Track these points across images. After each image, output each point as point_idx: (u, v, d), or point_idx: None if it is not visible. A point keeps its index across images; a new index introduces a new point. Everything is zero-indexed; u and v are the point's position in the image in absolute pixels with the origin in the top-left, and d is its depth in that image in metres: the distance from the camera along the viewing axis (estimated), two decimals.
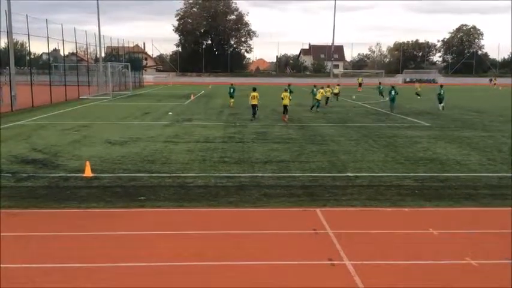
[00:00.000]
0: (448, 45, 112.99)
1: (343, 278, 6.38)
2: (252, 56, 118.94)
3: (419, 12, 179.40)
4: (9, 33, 30.63)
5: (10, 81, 30.71)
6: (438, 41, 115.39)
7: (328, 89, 35.51)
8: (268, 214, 9.09)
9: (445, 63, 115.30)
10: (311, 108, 30.20)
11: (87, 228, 8.19)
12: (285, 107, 24.79)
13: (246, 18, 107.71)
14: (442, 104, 31.13)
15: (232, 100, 34.97)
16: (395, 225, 8.55)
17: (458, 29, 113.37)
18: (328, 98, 34.99)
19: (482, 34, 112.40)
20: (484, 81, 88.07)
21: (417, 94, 43.30)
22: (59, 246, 7.41)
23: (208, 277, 6.40)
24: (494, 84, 76.79)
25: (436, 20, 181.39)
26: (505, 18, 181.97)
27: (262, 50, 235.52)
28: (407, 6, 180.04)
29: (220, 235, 7.92)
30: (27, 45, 35.22)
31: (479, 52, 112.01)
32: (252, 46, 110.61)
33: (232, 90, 35.39)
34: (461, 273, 6.61)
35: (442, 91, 31.46)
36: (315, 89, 32.19)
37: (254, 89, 26.10)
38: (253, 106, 25.38)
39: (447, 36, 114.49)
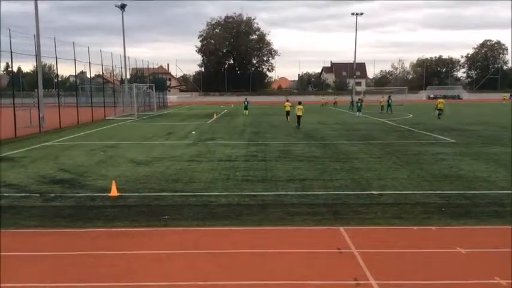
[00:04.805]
0: (472, 60, 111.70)
1: None
2: (273, 75, 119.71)
3: (439, 28, 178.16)
4: (38, 56, 31.62)
5: (38, 103, 31.59)
6: (462, 57, 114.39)
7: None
8: (291, 233, 9.05)
9: (469, 79, 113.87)
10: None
11: (112, 247, 8.29)
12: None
13: (268, 38, 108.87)
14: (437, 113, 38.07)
15: (246, 111, 46.18)
16: (422, 244, 8.40)
17: (483, 45, 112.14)
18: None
19: (506, 49, 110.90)
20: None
21: (439, 110, 38.86)
22: (85, 265, 7.51)
23: None
24: (504, 99, 75.57)
25: (458, 36, 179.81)
26: None
27: (284, 68, 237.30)
28: (428, 23, 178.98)
29: (244, 254, 7.91)
30: (55, 67, 36.24)
31: (504, 67, 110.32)
32: (273, 65, 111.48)
33: (246, 103, 48.32)
34: None
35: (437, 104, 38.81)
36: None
37: (300, 103, 32.35)
38: (298, 117, 31.35)
39: (471, 51, 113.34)
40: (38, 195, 12.09)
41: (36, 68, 33.08)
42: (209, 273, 7.08)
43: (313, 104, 67.89)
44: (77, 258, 7.78)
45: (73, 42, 35.41)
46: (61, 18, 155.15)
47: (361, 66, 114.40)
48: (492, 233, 8.97)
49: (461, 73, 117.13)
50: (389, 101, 47.96)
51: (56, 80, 41.44)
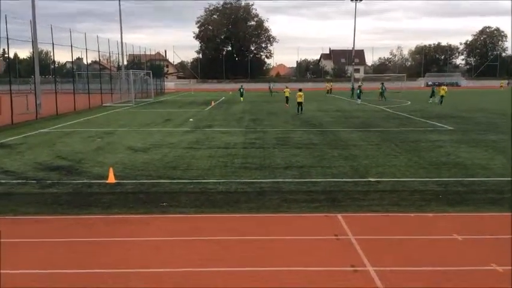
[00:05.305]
0: (471, 47, 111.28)
1: (366, 284, 6.31)
2: (272, 62, 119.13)
3: (439, 16, 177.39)
4: (34, 43, 31.38)
5: (35, 89, 31.43)
6: (461, 44, 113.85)
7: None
8: (289, 220, 9.06)
9: (468, 66, 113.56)
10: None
11: (110, 234, 8.29)
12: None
13: (266, 24, 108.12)
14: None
15: (242, 98, 47.54)
16: (419, 230, 8.42)
17: (482, 31, 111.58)
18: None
19: (506, 36, 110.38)
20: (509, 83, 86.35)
21: (441, 97, 40.23)
22: (82, 251, 7.51)
23: (229, 283, 6.40)
24: (501, 86, 75.58)
25: (457, 22, 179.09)
26: None
27: (283, 55, 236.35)
28: (428, 10, 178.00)
29: (241, 241, 7.92)
30: (52, 54, 36.00)
31: (503, 54, 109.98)
32: (272, 52, 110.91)
33: (242, 90, 49.20)
34: (486, 279, 6.47)
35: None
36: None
37: (300, 90, 32.70)
38: (299, 103, 31.60)
39: (470, 38, 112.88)
40: (34, 182, 12.07)
41: (33, 54, 32.87)
42: (207, 260, 7.09)
43: (312, 91, 67.70)
44: (74, 245, 7.78)
45: (70, 29, 35.22)
46: (58, 4, 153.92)
47: (360, 53, 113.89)
48: (489, 220, 9.00)
49: (460, 60, 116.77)
50: (383, 88, 48.08)
51: (52, 67, 41.15)
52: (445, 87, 42.24)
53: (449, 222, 8.87)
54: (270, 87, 62.11)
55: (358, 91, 43.58)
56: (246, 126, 24.38)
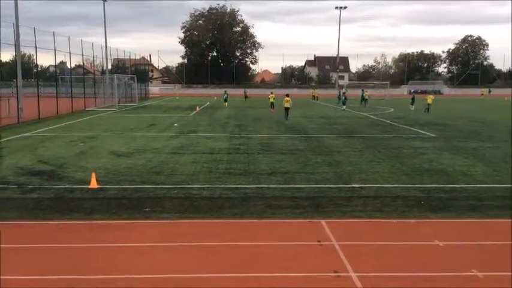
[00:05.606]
0: (453, 56, 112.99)
1: None
2: (257, 68, 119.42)
3: (422, 23, 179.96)
4: (17, 46, 30.99)
5: (17, 93, 31.00)
6: (443, 52, 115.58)
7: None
8: (273, 225, 9.08)
9: (450, 74, 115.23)
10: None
11: (93, 240, 8.21)
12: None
13: (252, 30, 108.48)
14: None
15: (226, 103, 47.74)
16: (401, 236, 8.51)
17: (464, 40, 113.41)
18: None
19: (487, 45, 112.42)
20: (492, 92, 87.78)
21: (428, 105, 39.85)
22: (63, 257, 7.42)
23: None
24: (482, 94, 76.78)
25: (440, 31, 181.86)
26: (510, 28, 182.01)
27: (268, 61, 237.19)
28: (411, 18, 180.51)
29: (225, 247, 7.91)
30: (35, 57, 35.58)
31: (485, 63, 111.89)
32: (257, 58, 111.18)
33: (226, 95, 50.35)
34: (467, 285, 6.56)
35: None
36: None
37: (287, 95, 32.96)
38: (286, 108, 31.73)
39: (452, 47, 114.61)
40: (15, 186, 11.89)
41: (16, 57, 32.43)
42: (190, 266, 7.07)
43: (297, 97, 67.91)
44: (57, 251, 7.69)
45: (53, 32, 34.81)
46: (41, 8, 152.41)
47: (345, 60, 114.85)
48: (470, 226, 9.13)
49: (442, 68, 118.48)
50: (363, 95, 48.78)
51: (35, 70, 40.63)
52: (432, 96, 42.86)
53: (431, 228, 8.97)
54: (245, 93, 66.24)
55: (344, 98, 44.00)
56: (230, 132, 24.37)
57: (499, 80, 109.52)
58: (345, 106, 42.86)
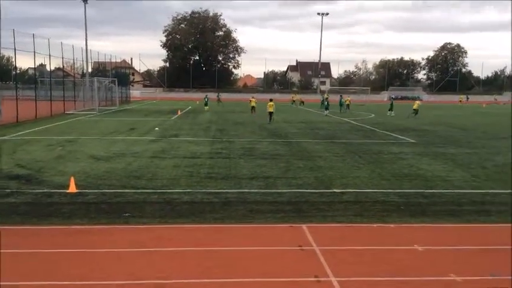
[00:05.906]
0: (432, 63, 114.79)
1: None
2: (239, 72, 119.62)
3: (402, 31, 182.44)
4: None
5: None
6: (423, 59, 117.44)
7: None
8: (254, 230, 9.06)
9: (429, 81, 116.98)
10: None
11: (70, 245, 8.07)
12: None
13: (234, 35, 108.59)
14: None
15: (207, 107, 48.37)
16: (381, 241, 8.57)
17: (443, 47, 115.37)
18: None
19: (466, 52, 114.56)
20: (470, 98, 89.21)
21: (414, 110, 40.84)
22: (41, 263, 7.29)
23: None
24: (460, 101, 78.15)
25: (420, 38, 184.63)
26: (489, 36, 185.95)
27: (251, 66, 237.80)
28: (391, 25, 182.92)
29: (205, 252, 7.86)
30: (13, 59, 34.99)
31: (463, 70, 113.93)
32: (239, 62, 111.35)
33: (206, 99, 50.65)
34: None
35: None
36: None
37: (271, 100, 34.23)
38: (270, 113, 32.83)
39: (431, 54, 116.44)
40: None
41: None
42: (171, 271, 7.00)
43: (279, 102, 68.12)
44: (35, 256, 7.55)
45: (33, 34, 34.30)
46: (21, 9, 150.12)
47: (326, 66, 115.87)
48: (448, 231, 9.24)
49: (421, 75, 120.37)
50: (341, 101, 49.35)
51: (14, 73, 39.94)
52: (418, 102, 44.16)
53: (410, 233, 9.06)
54: (218, 97, 66.95)
55: (326, 103, 44.34)
56: (212, 136, 24.31)
57: (477, 87, 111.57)
58: (327, 111, 43.23)
